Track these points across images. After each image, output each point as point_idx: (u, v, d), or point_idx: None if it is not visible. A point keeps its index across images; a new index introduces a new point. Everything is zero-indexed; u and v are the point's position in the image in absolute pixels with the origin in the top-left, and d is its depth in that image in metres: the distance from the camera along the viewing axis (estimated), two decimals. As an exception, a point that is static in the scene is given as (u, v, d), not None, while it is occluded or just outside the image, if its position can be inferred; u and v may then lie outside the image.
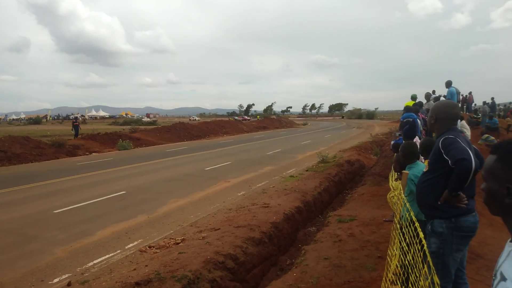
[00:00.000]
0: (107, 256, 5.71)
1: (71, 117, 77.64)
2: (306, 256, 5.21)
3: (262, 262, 5.82)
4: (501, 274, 1.08)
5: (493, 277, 1.14)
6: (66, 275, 5.01)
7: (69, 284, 4.64)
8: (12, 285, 4.73)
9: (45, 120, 66.30)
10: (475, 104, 22.88)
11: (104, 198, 9.23)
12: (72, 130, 25.55)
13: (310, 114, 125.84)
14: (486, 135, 12.28)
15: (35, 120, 55.97)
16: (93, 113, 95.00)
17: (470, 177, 2.43)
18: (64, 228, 6.96)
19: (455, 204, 2.56)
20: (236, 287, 4.99)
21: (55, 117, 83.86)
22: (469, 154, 2.42)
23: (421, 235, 2.25)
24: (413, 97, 11.32)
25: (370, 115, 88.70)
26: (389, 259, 3.10)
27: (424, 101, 11.52)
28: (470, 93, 22.61)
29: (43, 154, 17.40)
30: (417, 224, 2.40)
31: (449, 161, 2.50)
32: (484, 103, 20.07)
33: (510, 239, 1.14)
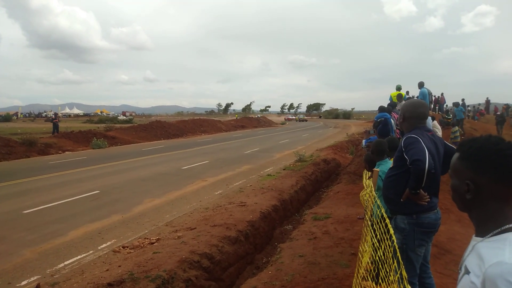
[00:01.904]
0: (79, 257, 5.57)
1: (44, 114, 75.19)
2: (281, 254, 5.25)
3: (238, 261, 5.83)
4: (465, 267, 1.12)
5: (459, 270, 1.18)
6: (35, 277, 4.86)
7: (38, 286, 4.49)
8: (-24, 289, 4.55)
9: (16, 117, 63.82)
10: (447, 105, 23.63)
11: (76, 197, 8.99)
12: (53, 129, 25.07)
13: (288, 113, 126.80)
14: (456, 128, 12.80)
15: (5, 118, 53.72)
16: (67, 110, 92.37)
17: (424, 178, 2.50)
18: (33, 228, 6.73)
19: (416, 202, 2.63)
20: (211, 286, 4.98)
21: (27, 115, 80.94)
22: (425, 155, 2.49)
23: (391, 231, 2.31)
24: (398, 88, 11.62)
25: (347, 115, 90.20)
26: (360, 256, 3.16)
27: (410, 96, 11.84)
28: (442, 94, 23.35)
29: (13, 152, 16.76)
30: (387, 220, 2.46)
31: (408, 161, 2.58)
32: (454, 104, 20.74)
33: (474, 234, 1.18)
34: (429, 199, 2.63)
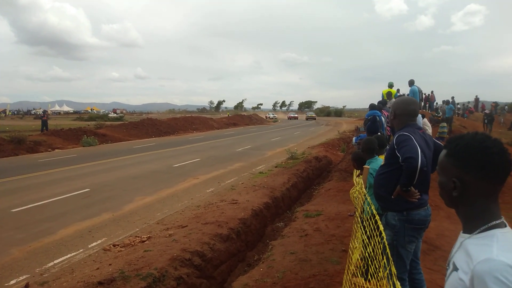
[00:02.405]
0: (68, 255, 5.52)
1: (33, 112, 74.07)
2: (273, 251, 5.27)
3: (229, 258, 5.83)
4: (453, 264, 1.13)
5: (447, 267, 1.19)
6: (24, 276, 4.81)
7: (27, 285, 4.44)
8: (-37, 289, 4.49)
9: (4, 115, 62.81)
10: (437, 103, 23.89)
11: (66, 196, 8.89)
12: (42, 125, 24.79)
13: (280, 111, 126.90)
14: (444, 124, 13.02)
15: (-7, 115, 52.89)
16: (57, 108, 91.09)
17: (417, 175, 2.52)
18: (22, 227, 6.65)
19: (407, 199, 2.66)
20: (203, 284, 4.97)
21: (15, 112, 79.71)
22: (417, 152, 2.51)
23: (381, 227, 2.33)
24: (390, 85, 11.71)
25: (338, 112, 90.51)
26: (350, 252, 3.18)
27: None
28: (432, 92, 23.58)
29: (1, 150, 16.50)
30: (377, 217, 2.48)
31: (400, 158, 2.60)
32: (444, 102, 20.98)
33: (462, 231, 1.19)
34: (419, 196, 2.66)
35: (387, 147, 4.89)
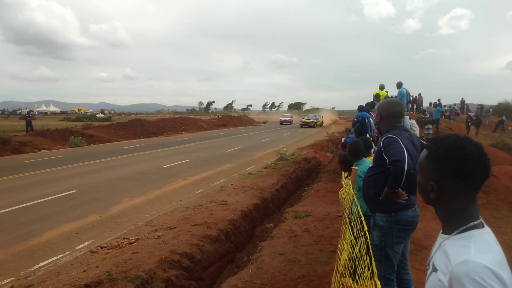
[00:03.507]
0: (54, 258, 5.44)
1: (18, 112, 72.79)
2: (262, 252, 5.27)
3: (218, 260, 5.81)
4: (433, 264, 1.14)
5: (427, 267, 1.21)
6: (8, 279, 4.71)
7: (11, 288, 4.36)
8: None
9: (-12, 115, 61.71)
10: (422, 105, 24.23)
11: (53, 197, 8.76)
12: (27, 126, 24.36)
13: (270, 112, 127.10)
14: (429, 126, 13.25)
15: (-23, 115, 51.89)
16: (43, 108, 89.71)
17: (403, 178, 2.56)
18: (7, 229, 6.53)
19: (395, 200, 2.69)
20: (191, 286, 4.95)
21: (0, 112, 78.24)
22: (404, 155, 2.54)
23: (365, 228, 2.36)
24: (381, 87, 11.83)
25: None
26: (339, 253, 3.21)
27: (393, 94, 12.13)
28: (419, 94, 23.92)
29: (-15, 151, 16.20)
30: (362, 218, 2.51)
31: (387, 161, 2.63)
32: (431, 104, 21.30)
33: (441, 231, 1.21)
34: (407, 197, 2.69)
35: (374, 148, 4.95)
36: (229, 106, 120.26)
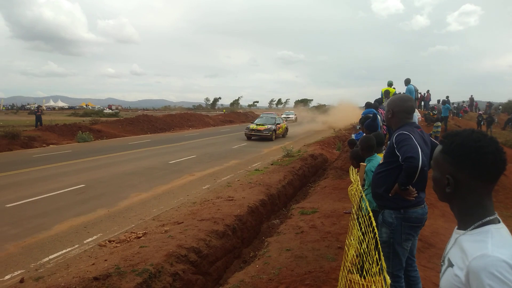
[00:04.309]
0: (64, 251, 5.51)
1: (27, 107, 73.46)
2: (269, 248, 5.28)
3: (225, 255, 5.84)
4: (449, 260, 1.14)
5: (442, 263, 1.20)
6: (19, 272, 4.79)
7: (21, 280, 4.43)
8: (-42, 283, 4.46)
9: (-3, 109, 62.41)
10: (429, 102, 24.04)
11: (61, 191, 8.86)
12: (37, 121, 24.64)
13: (276, 109, 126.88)
14: (438, 123, 13.14)
15: (-14, 110, 52.49)
16: (51, 103, 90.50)
17: (417, 175, 2.53)
18: (17, 222, 6.62)
19: (404, 197, 2.68)
20: (198, 280, 4.98)
21: (9, 107, 79.05)
22: (418, 152, 2.51)
23: (374, 223, 2.35)
24: (390, 83, 11.75)
25: (324, 111, 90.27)
26: (346, 249, 3.21)
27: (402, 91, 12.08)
28: (427, 91, 23.71)
29: (-5, 145, 16.39)
30: (371, 214, 2.50)
31: (399, 157, 2.60)
32: (439, 101, 21.11)
33: (457, 227, 1.20)
34: (416, 195, 2.67)
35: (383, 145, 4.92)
36: (235, 103, 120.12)
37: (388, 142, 3.04)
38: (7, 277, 4.66)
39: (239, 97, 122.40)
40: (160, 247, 5.14)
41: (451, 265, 1.11)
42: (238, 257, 6.15)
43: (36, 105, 42.19)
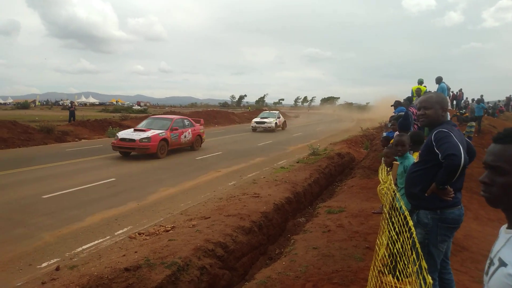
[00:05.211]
0: (96, 241, 5.70)
1: (60, 103, 76.39)
2: (295, 245, 5.26)
3: (251, 251, 5.87)
4: (500, 259, 1.10)
5: (490, 264, 1.16)
6: (55, 260, 4.99)
7: (57, 268, 4.62)
8: (0, 269, 4.70)
9: (34, 105, 65.18)
10: (466, 99, 23.21)
11: (93, 184, 9.16)
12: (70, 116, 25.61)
13: (302, 106, 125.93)
14: (472, 123, 12.69)
15: (23, 105, 54.87)
16: (83, 99, 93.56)
17: (458, 173, 2.45)
18: (52, 213, 6.90)
19: (441, 197, 2.60)
20: (225, 275, 5.03)
21: (44, 103, 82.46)
22: (460, 150, 2.44)
23: (411, 223, 2.29)
24: (420, 81, 11.49)
25: (361, 109, 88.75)
26: (377, 248, 3.15)
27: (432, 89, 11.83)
28: (460, 90, 22.90)
29: (31, 139, 17.13)
30: (406, 213, 2.44)
31: (439, 155, 2.52)
32: (473, 100, 20.34)
33: (506, 226, 1.15)
34: (453, 195, 2.59)
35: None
36: (261, 100, 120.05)
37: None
38: (44, 264, 4.87)
39: (264, 95, 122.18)
40: (188, 241, 5.23)
41: (503, 264, 1.07)
42: (263, 254, 6.18)
43: (69, 101, 43.86)
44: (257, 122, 27.39)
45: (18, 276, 4.54)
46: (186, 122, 16.07)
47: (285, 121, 30.02)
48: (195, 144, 16.17)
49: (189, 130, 15.78)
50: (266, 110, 46.33)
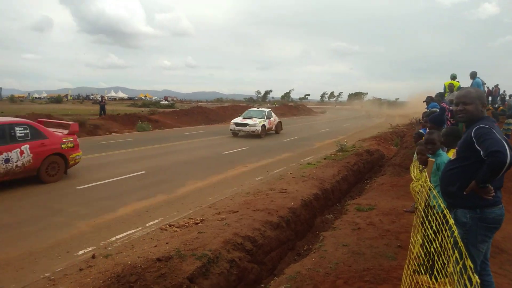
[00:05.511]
0: (128, 232, 5.87)
1: (91, 97, 78.85)
2: (324, 242, 5.23)
3: (279, 246, 5.89)
4: None
5: None
6: (90, 248, 5.19)
7: (93, 256, 4.80)
8: (41, 254, 4.94)
9: (66, 99, 67.65)
10: (504, 95, 22.20)
11: (124, 176, 9.43)
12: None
13: (328, 102, 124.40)
14: (509, 120, 12.14)
15: (56, 99, 57.10)
16: (112, 94, 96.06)
17: (503, 171, 2.35)
18: (87, 203, 7.16)
19: (482, 196, 2.50)
20: (254, 269, 5.07)
21: (75, 97, 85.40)
22: (504, 146, 2.33)
23: (451, 221, 2.22)
24: (453, 76, 11.14)
25: (391, 105, 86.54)
26: (412, 247, 3.08)
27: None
28: (496, 85, 21.92)
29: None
30: (446, 211, 2.37)
31: (481, 152, 2.42)
32: (510, 96, 19.45)
33: None
34: (494, 194, 2.50)
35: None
36: (286, 95, 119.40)
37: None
38: (80, 252, 5.07)
39: (290, 90, 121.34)
40: (217, 234, 5.30)
41: None
42: (292, 249, 6.18)
43: (99, 96, 45.22)
44: (237, 124, 20.08)
45: (58, 262, 4.75)
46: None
47: (279, 121, 23.04)
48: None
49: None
50: (291, 105, 42.64)
